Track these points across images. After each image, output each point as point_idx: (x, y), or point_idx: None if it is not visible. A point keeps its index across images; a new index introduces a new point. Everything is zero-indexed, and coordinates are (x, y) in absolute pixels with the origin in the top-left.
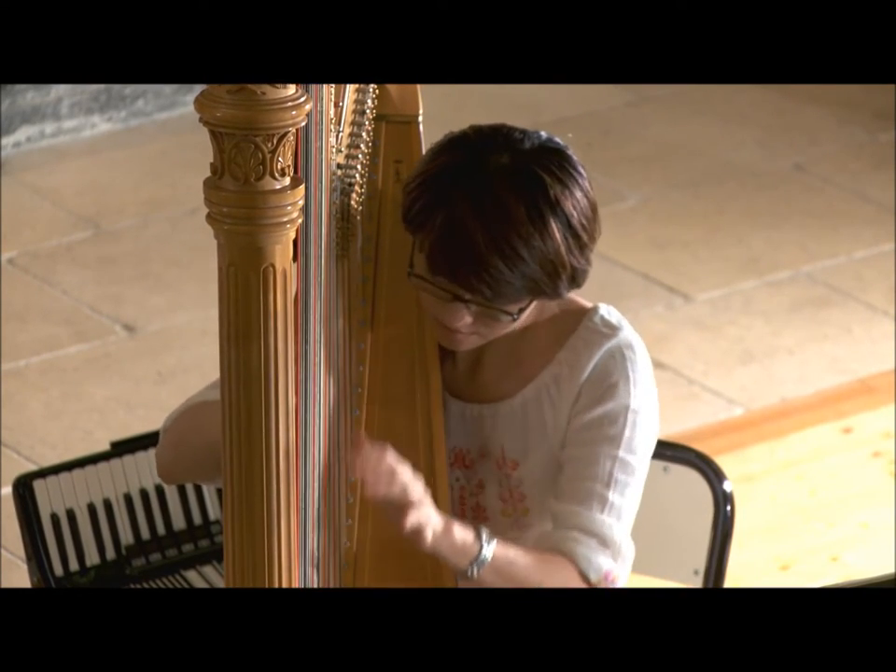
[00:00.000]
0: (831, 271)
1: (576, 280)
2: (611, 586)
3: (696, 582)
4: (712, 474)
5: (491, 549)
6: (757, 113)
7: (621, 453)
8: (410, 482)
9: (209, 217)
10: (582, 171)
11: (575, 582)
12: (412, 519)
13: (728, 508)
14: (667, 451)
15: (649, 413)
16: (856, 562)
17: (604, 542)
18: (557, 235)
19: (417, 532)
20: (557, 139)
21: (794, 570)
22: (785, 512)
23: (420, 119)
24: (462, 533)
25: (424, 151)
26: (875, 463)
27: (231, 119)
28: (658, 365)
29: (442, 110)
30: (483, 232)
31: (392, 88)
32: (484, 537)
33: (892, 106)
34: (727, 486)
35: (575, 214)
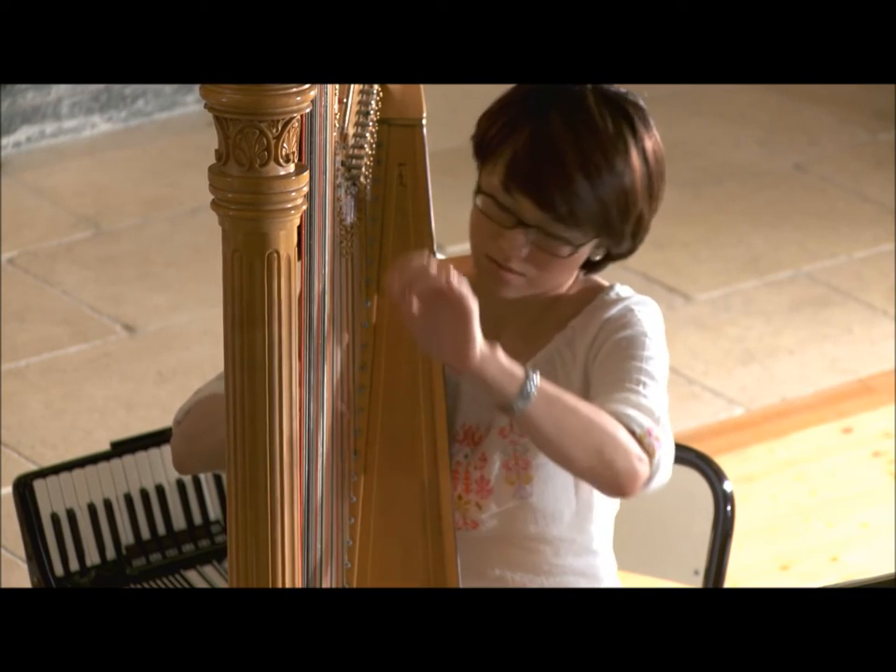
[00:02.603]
0: (831, 271)
1: (637, 234)
2: (658, 444)
3: (696, 582)
4: (712, 474)
5: (538, 375)
6: (757, 113)
7: (643, 364)
8: (437, 275)
9: (214, 204)
10: (656, 131)
11: (621, 433)
12: (458, 326)
13: (728, 508)
14: None
15: (663, 349)
16: (856, 562)
17: (641, 409)
18: (637, 167)
19: (463, 344)
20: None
21: (794, 570)
22: (785, 512)
23: (424, 122)
24: (506, 357)
25: (427, 154)
26: (875, 463)
27: (235, 105)
28: None
29: (442, 110)
30: (572, 146)
31: (395, 91)
32: (529, 366)
33: (892, 106)
34: (727, 486)
35: (653, 156)
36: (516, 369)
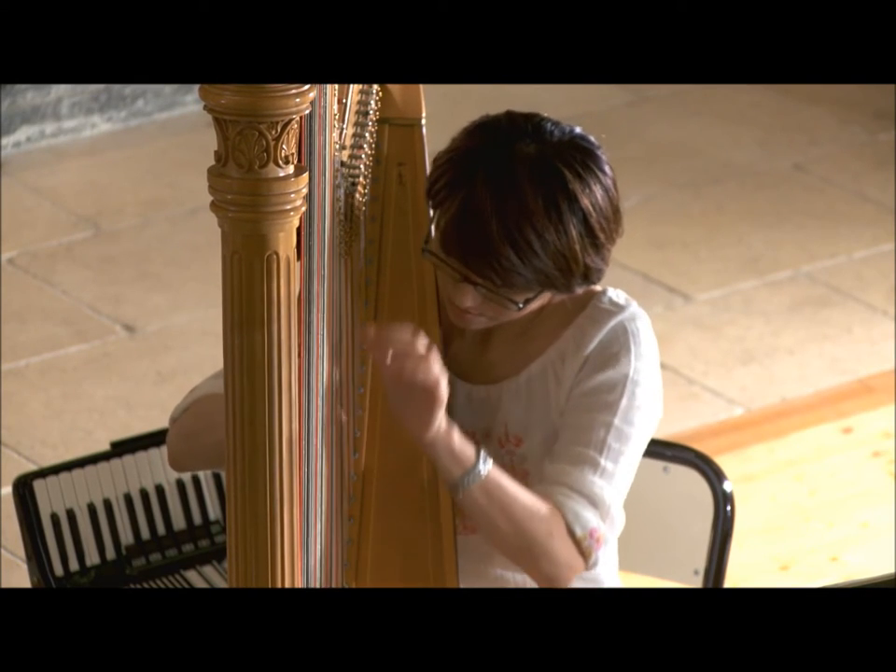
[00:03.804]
0: (831, 271)
1: (589, 278)
2: (597, 546)
3: (696, 582)
4: (712, 474)
5: (487, 467)
6: (757, 113)
7: (616, 421)
8: (426, 356)
9: (213, 205)
10: (609, 171)
11: (560, 534)
12: (424, 405)
13: (728, 508)
14: (667, 451)
15: (649, 386)
16: (856, 562)
17: (592, 501)
18: (573, 231)
19: (424, 419)
20: (590, 137)
21: (794, 570)
22: (785, 512)
23: (423, 122)
24: (463, 442)
25: (427, 154)
26: (875, 463)
27: (235, 106)
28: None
29: (441, 110)
30: (498, 221)
31: (395, 91)
32: (482, 454)
33: (892, 106)
34: (727, 486)
35: (593, 212)
36: (465, 456)
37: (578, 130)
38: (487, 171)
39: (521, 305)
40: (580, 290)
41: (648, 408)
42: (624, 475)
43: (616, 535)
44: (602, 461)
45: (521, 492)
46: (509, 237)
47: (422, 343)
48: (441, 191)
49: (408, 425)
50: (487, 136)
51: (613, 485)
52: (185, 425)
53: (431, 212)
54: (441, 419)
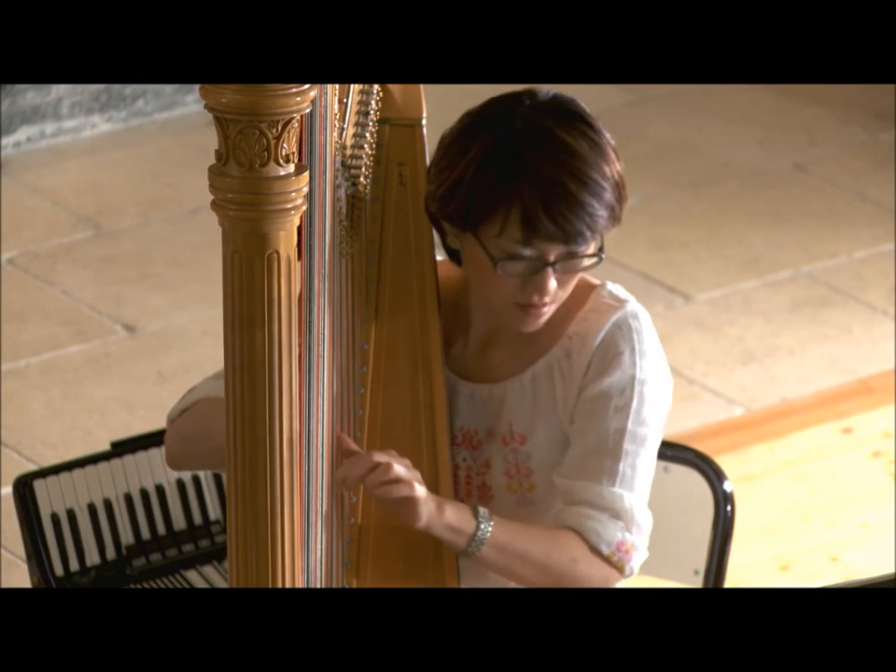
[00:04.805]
0: (831, 271)
1: (622, 202)
2: (628, 557)
3: (696, 582)
4: (712, 474)
5: (489, 526)
6: (757, 113)
7: (629, 424)
8: (399, 470)
9: (214, 204)
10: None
11: (585, 556)
12: (404, 508)
13: (728, 508)
14: (667, 451)
15: (656, 382)
16: (856, 562)
17: (615, 514)
18: (611, 153)
19: (411, 516)
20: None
21: (794, 570)
22: (785, 512)
23: (423, 122)
24: (456, 512)
25: (427, 154)
26: (875, 463)
27: (235, 105)
28: None
29: (441, 110)
30: (568, 176)
31: (395, 91)
32: (481, 514)
33: (892, 106)
34: (727, 486)
35: (609, 136)
36: (465, 526)
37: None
38: (535, 145)
39: (601, 255)
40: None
41: (658, 403)
42: (645, 476)
43: (646, 537)
44: (620, 467)
45: (532, 532)
46: (583, 185)
47: (378, 459)
48: (487, 201)
49: (402, 520)
50: (507, 137)
51: (634, 490)
52: (183, 428)
53: (469, 232)
54: (427, 507)
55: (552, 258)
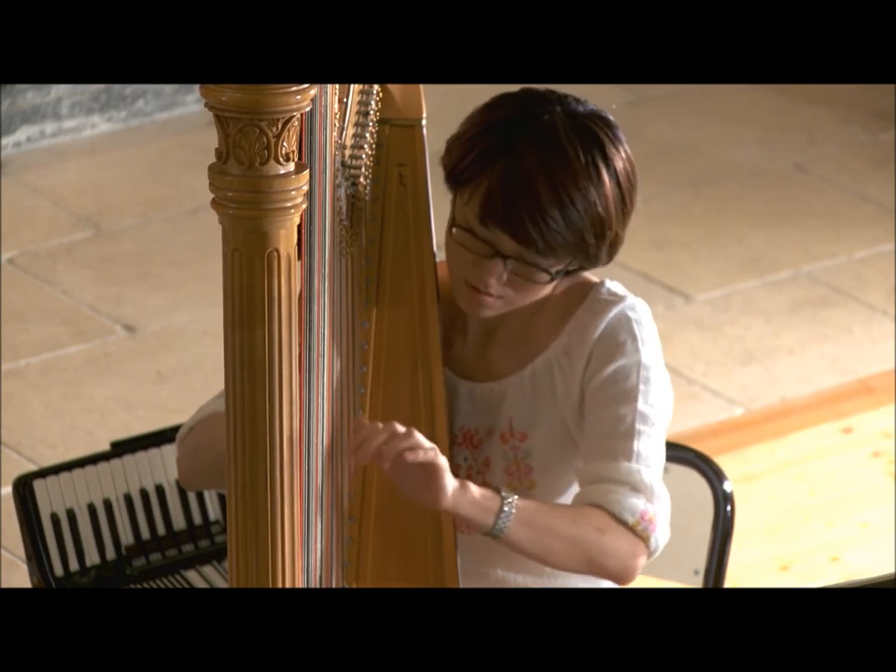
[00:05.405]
0: (831, 271)
1: (614, 248)
2: (652, 527)
3: (696, 582)
4: (712, 474)
5: (513, 501)
6: (757, 113)
7: (639, 405)
8: (421, 444)
9: (214, 203)
10: (625, 144)
11: (611, 525)
12: (429, 478)
13: (728, 508)
14: (667, 451)
15: (659, 370)
16: (856, 562)
17: (635, 488)
18: (610, 191)
19: (436, 491)
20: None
21: (794, 570)
22: (785, 512)
23: (423, 122)
24: (480, 490)
25: (427, 154)
26: (875, 463)
27: (236, 104)
28: None
29: (441, 110)
30: (546, 180)
31: (395, 91)
32: (504, 492)
33: (892, 106)
34: (727, 486)
35: (623, 175)
36: (491, 502)
37: (593, 105)
38: (529, 134)
39: (553, 274)
40: (603, 263)
41: (664, 389)
42: (658, 455)
43: (667, 511)
44: (635, 446)
45: (556, 507)
46: (556, 197)
47: (398, 428)
48: (471, 166)
49: (425, 502)
50: (516, 106)
51: (651, 466)
52: (189, 443)
53: (454, 192)
54: (450, 482)
55: (505, 250)
